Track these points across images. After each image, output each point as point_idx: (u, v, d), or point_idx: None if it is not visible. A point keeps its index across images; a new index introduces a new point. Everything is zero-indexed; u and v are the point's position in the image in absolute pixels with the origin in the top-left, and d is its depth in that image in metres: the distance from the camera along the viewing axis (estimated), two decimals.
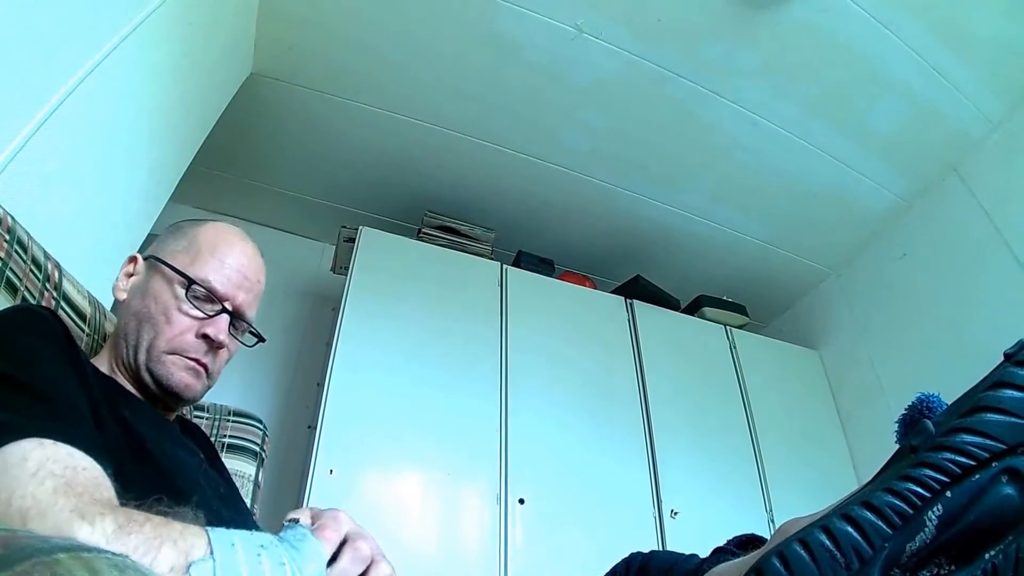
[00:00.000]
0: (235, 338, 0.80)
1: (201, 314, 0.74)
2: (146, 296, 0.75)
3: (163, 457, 0.66)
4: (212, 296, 0.75)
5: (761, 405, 2.31)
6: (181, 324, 0.73)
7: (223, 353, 0.78)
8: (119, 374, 0.75)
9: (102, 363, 0.76)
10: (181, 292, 0.74)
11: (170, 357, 0.73)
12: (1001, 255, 1.94)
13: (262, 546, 0.42)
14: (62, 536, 0.31)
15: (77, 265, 0.89)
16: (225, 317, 0.76)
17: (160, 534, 0.41)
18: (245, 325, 0.81)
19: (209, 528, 0.43)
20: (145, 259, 0.79)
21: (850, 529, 0.38)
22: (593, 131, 2.16)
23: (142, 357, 0.73)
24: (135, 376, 0.74)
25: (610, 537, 1.80)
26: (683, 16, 1.78)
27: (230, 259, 0.77)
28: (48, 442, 0.47)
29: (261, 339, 0.84)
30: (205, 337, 0.74)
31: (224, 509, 0.72)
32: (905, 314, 2.28)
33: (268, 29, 1.86)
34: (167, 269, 0.75)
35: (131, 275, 0.79)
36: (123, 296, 0.77)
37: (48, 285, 0.80)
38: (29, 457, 0.45)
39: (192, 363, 0.74)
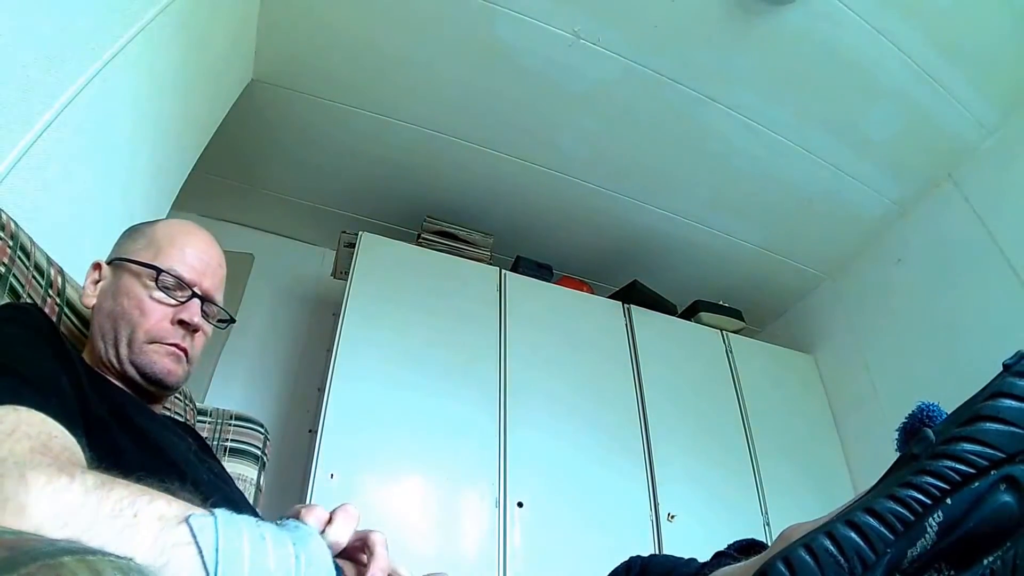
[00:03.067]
0: (207, 322, 0.83)
1: (173, 301, 0.77)
2: (117, 295, 0.77)
3: (152, 435, 0.68)
4: (181, 283, 0.78)
5: (757, 409, 2.32)
6: (156, 313, 0.76)
7: (199, 337, 0.81)
8: (103, 371, 0.77)
9: None
10: (151, 283, 0.77)
11: (150, 346, 0.75)
12: (995, 261, 1.95)
13: (257, 519, 0.42)
14: (68, 539, 0.31)
15: (80, 271, 0.90)
16: (196, 301, 0.79)
17: (148, 491, 0.40)
18: (215, 309, 0.84)
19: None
20: (109, 264, 0.82)
21: (854, 535, 0.39)
22: (590, 136, 2.17)
23: (123, 351, 0.75)
24: (119, 371, 0.75)
25: (608, 540, 1.81)
26: (679, 22, 1.79)
27: (190, 248, 0.81)
28: (23, 408, 0.47)
29: (232, 320, 0.88)
30: (181, 322, 0.77)
31: (219, 483, 0.74)
32: (899, 319, 2.30)
33: (268, 36, 1.86)
34: (134, 265, 0.78)
35: (97, 281, 0.80)
36: (92, 301, 0.79)
37: (51, 291, 0.81)
38: (4, 420, 0.45)
39: (172, 349, 0.77)
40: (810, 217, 2.41)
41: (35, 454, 0.42)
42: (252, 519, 0.40)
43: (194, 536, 0.36)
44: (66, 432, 0.48)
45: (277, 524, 0.44)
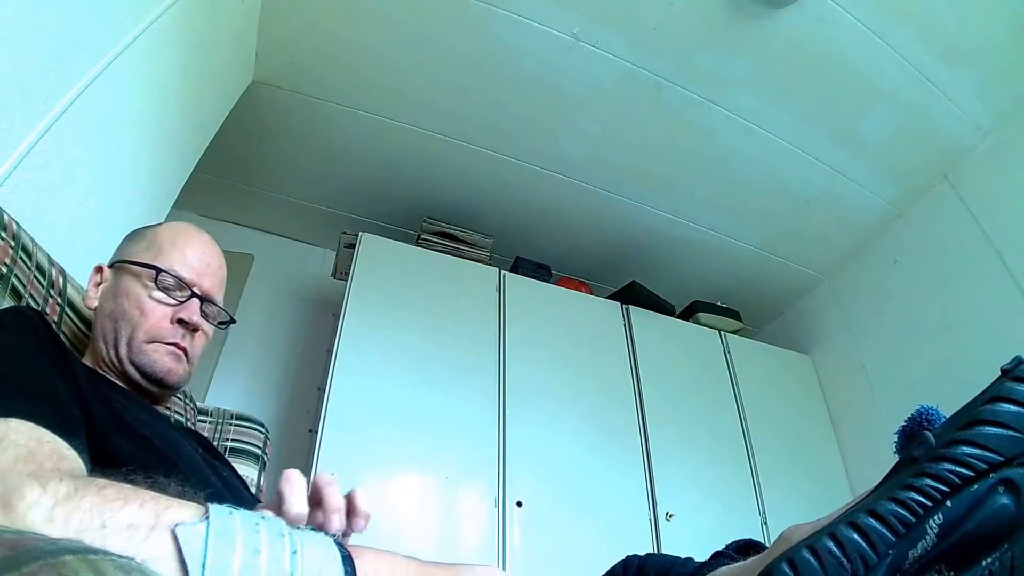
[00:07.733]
0: (207, 322, 0.83)
1: (173, 301, 0.78)
2: (118, 296, 0.77)
3: (157, 439, 0.68)
4: (180, 283, 0.79)
5: (754, 409, 2.33)
6: (156, 313, 0.77)
7: (199, 337, 0.81)
8: (105, 372, 0.77)
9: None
10: (150, 283, 0.77)
11: (150, 346, 0.76)
12: (990, 262, 1.97)
13: (262, 517, 0.37)
14: (69, 538, 0.30)
15: (81, 271, 0.90)
16: (195, 301, 0.80)
17: (125, 496, 0.38)
18: (215, 309, 0.84)
19: (208, 502, 0.39)
20: (110, 267, 0.82)
21: (856, 537, 0.40)
22: (589, 138, 2.17)
23: (123, 351, 0.75)
24: (120, 371, 0.76)
25: (606, 539, 1.82)
26: (678, 25, 1.80)
27: (190, 250, 0.82)
28: (13, 420, 0.47)
29: (232, 321, 0.88)
30: (181, 322, 0.78)
31: (224, 490, 0.74)
32: (896, 319, 2.31)
33: (269, 38, 1.86)
34: (134, 266, 0.78)
35: (99, 284, 0.81)
36: (94, 303, 0.80)
37: (52, 291, 0.81)
38: None
39: (172, 348, 0.77)
40: (807, 218, 2.42)
41: (18, 463, 0.42)
42: (253, 520, 0.36)
43: (179, 548, 0.33)
44: (57, 438, 0.48)
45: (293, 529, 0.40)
